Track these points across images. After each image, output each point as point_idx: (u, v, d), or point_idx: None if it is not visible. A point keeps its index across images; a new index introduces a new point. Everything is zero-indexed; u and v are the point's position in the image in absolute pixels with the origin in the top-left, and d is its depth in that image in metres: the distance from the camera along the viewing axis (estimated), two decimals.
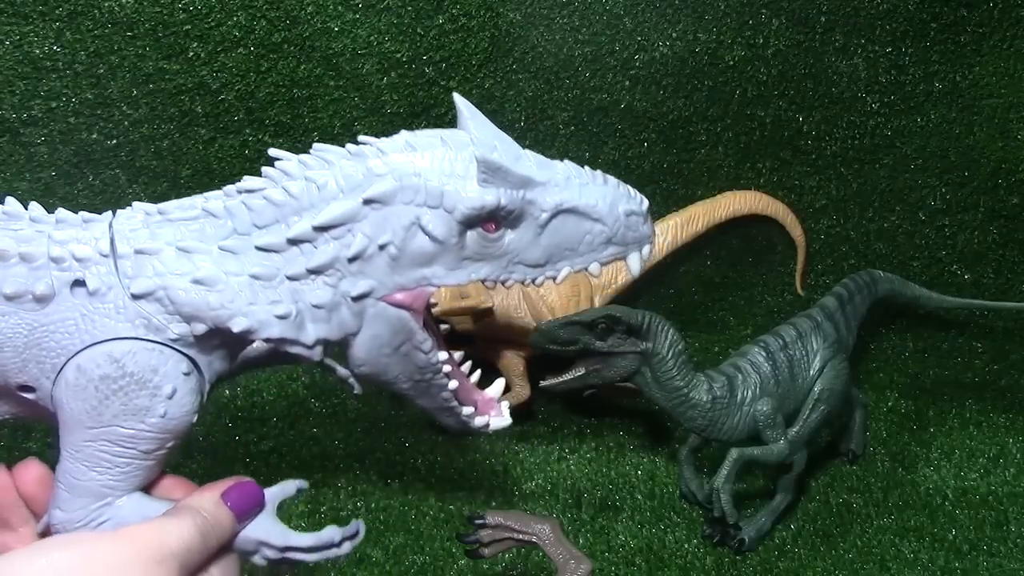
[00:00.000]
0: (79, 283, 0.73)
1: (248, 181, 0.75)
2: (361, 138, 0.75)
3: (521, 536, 0.95)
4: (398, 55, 1.58)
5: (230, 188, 0.76)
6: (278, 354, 0.84)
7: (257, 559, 0.75)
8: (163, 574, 0.62)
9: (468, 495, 1.38)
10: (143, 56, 1.51)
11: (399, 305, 0.73)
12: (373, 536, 1.28)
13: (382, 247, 0.71)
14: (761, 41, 1.71)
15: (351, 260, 0.71)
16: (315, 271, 0.72)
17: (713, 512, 1.25)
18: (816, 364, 1.34)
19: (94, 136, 1.52)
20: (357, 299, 0.72)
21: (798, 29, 1.71)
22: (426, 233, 0.71)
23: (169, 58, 1.52)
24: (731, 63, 1.71)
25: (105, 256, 0.74)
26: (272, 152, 0.76)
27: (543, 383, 1.26)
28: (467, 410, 0.81)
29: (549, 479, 1.42)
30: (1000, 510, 1.37)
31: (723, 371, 1.29)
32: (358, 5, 1.57)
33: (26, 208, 0.79)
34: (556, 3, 1.64)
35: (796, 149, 1.78)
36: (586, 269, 0.75)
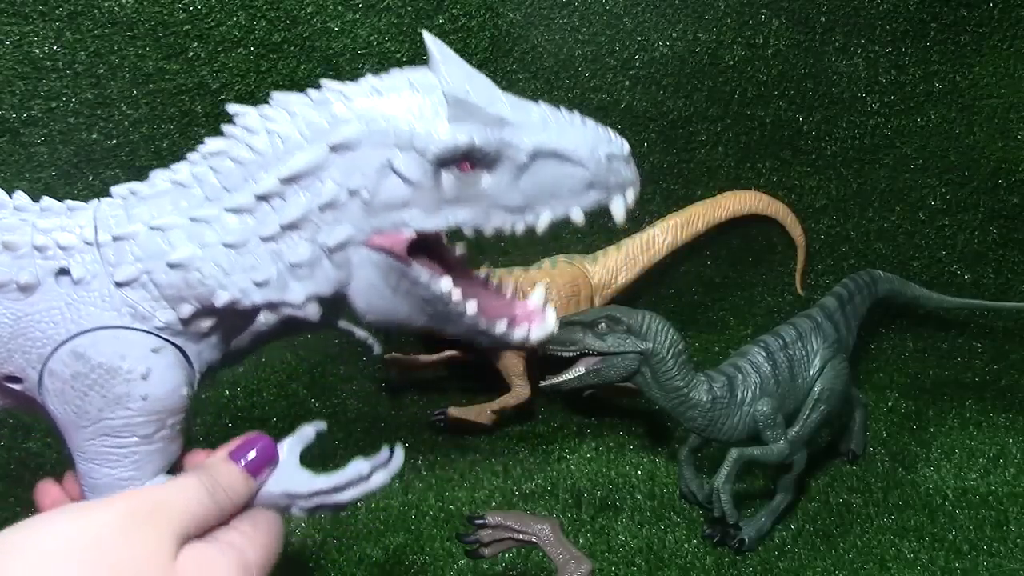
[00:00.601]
0: (64, 272, 0.72)
1: (211, 143, 0.72)
2: (324, 82, 0.72)
3: (521, 536, 0.95)
4: (398, 55, 1.58)
5: (194, 155, 0.73)
6: (289, 322, 0.82)
7: (294, 511, 0.74)
8: (154, 529, 0.60)
9: (468, 495, 1.38)
10: (143, 56, 1.51)
11: (379, 248, 0.70)
12: (373, 536, 1.28)
13: (353, 192, 0.68)
14: (761, 41, 1.71)
15: (323, 209, 0.69)
16: (289, 226, 0.69)
17: (713, 512, 1.25)
18: (816, 364, 1.34)
19: (94, 136, 1.52)
20: (336, 249, 0.69)
21: (798, 29, 1.71)
22: (398, 175, 0.68)
23: (169, 58, 1.52)
24: (731, 63, 1.71)
25: (90, 244, 0.73)
26: (230, 108, 0.73)
27: (543, 383, 1.26)
28: (500, 326, 0.75)
29: (549, 479, 1.42)
30: (1000, 510, 1.37)
31: (723, 371, 1.29)
32: (358, 5, 1.57)
33: (10, 197, 0.78)
34: (556, 3, 1.64)
35: (796, 149, 1.78)
36: (567, 216, 0.72)
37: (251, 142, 0.70)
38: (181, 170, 0.74)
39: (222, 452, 0.71)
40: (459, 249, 0.77)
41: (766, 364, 1.30)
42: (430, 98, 0.69)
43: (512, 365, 1.54)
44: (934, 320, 1.85)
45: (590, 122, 0.72)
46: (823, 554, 1.28)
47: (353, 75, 1.58)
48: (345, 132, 0.68)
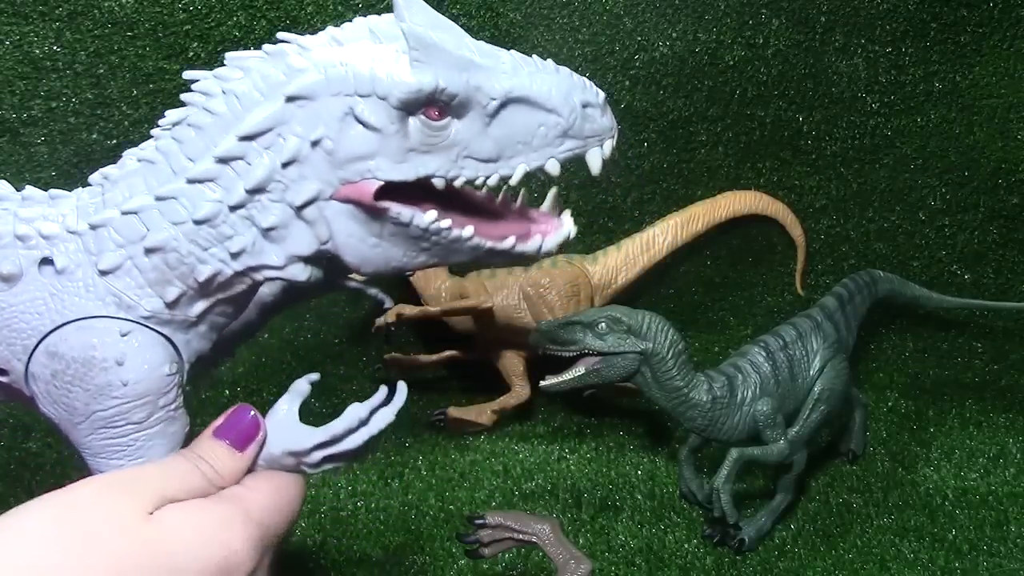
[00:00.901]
0: (47, 261, 0.72)
1: (171, 114, 0.70)
2: (280, 35, 0.70)
3: (521, 536, 0.95)
4: None
5: (157, 129, 0.72)
6: (291, 289, 0.81)
7: (305, 469, 0.73)
8: (129, 495, 0.61)
9: (468, 495, 1.38)
10: (143, 56, 1.51)
11: (347, 200, 0.67)
12: (373, 536, 1.28)
13: (315, 144, 0.66)
14: (761, 41, 1.71)
15: (286, 165, 0.66)
16: (255, 190, 0.67)
17: (713, 512, 1.25)
18: (816, 364, 1.34)
19: (94, 136, 1.52)
20: (303, 206, 0.67)
21: (798, 29, 1.71)
22: (361, 123, 0.65)
23: (169, 58, 1.52)
24: (731, 63, 1.71)
25: (73, 233, 0.72)
26: (187, 74, 0.71)
27: (543, 383, 1.26)
28: (507, 242, 0.71)
29: (549, 479, 1.42)
30: (1000, 510, 1.37)
31: (723, 371, 1.29)
32: (358, 5, 1.57)
33: None
34: (556, 3, 1.64)
35: (796, 149, 1.78)
36: (543, 167, 0.69)
37: (209, 105, 0.68)
38: (147, 146, 0.72)
39: (208, 431, 0.71)
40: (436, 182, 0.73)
41: (766, 364, 1.30)
42: (392, 46, 0.67)
43: (512, 365, 1.54)
44: (934, 320, 1.85)
45: (564, 69, 0.69)
46: (823, 554, 1.28)
47: None
48: (302, 82, 0.65)
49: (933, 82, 1.77)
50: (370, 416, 0.75)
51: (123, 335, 0.71)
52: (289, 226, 0.68)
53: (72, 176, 1.54)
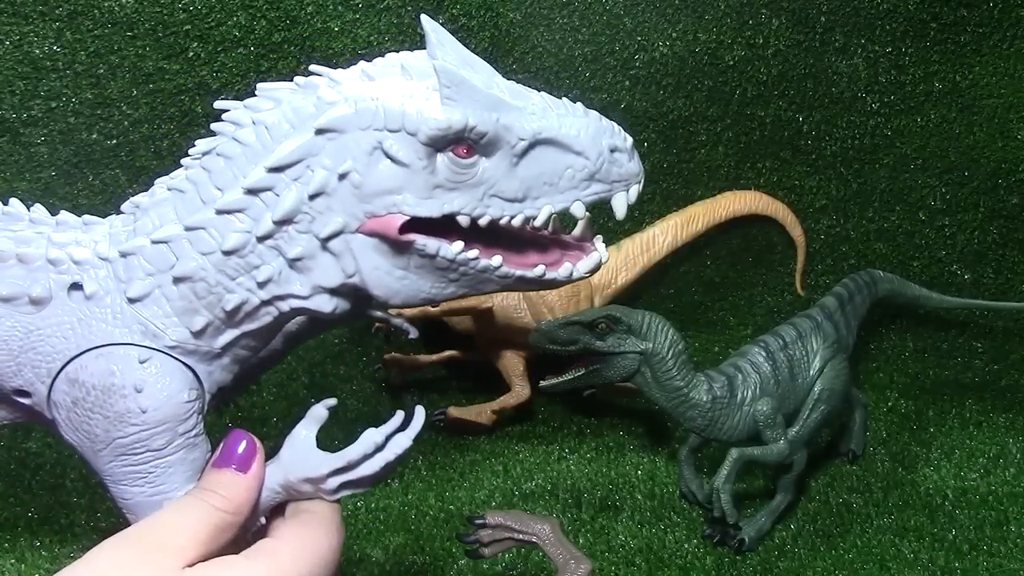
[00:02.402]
0: (77, 286, 0.72)
1: (201, 144, 0.71)
2: (312, 67, 0.70)
3: (521, 536, 0.95)
4: None
5: (187, 159, 0.72)
6: (317, 319, 0.82)
7: (324, 496, 0.72)
8: (159, 566, 0.60)
9: (468, 495, 1.38)
10: (143, 56, 1.51)
11: (372, 234, 0.67)
12: (373, 536, 1.28)
13: (343, 176, 0.66)
14: (761, 41, 1.71)
15: (313, 197, 0.66)
16: (283, 221, 0.67)
17: (713, 512, 1.25)
18: (816, 364, 1.34)
19: (94, 136, 1.52)
20: (329, 239, 0.67)
21: (798, 29, 1.71)
22: (389, 158, 0.65)
23: (169, 58, 1.52)
24: (731, 63, 1.71)
25: (104, 259, 0.72)
26: (218, 104, 0.71)
27: (543, 383, 1.26)
28: (537, 270, 0.71)
29: (549, 479, 1.42)
30: (1000, 510, 1.37)
31: (723, 371, 1.29)
32: (358, 5, 1.57)
33: (28, 209, 0.78)
34: (556, 3, 1.64)
35: (796, 149, 1.78)
36: (568, 209, 0.69)
37: (239, 136, 0.69)
38: (178, 175, 0.72)
39: (209, 466, 0.71)
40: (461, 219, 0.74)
41: (766, 364, 1.30)
42: (424, 83, 0.67)
43: (512, 365, 1.54)
44: (934, 320, 1.85)
45: (593, 113, 0.70)
46: (823, 554, 1.28)
47: None
48: (333, 115, 0.66)
49: (933, 82, 1.76)
50: (386, 441, 0.75)
51: (142, 362, 0.71)
52: (315, 257, 0.69)
53: (72, 176, 1.54)
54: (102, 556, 0.59)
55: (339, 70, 0.70)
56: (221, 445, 0.71)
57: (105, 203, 1.56)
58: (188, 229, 0.69)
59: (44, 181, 1.53)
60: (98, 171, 1.55)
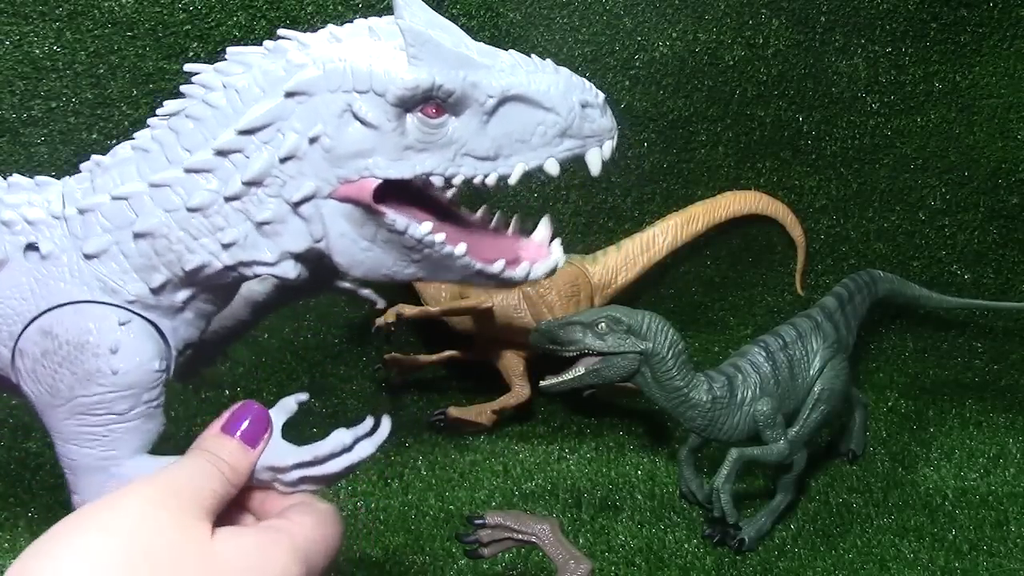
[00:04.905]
0: (32, 247, 0.72)
1: (169, 104, 0.71)
2: (281, 31, 0.70)
3: (521, 536, 0.95)
4: None
5: (154, 119, 0.72)
6: (284, 288, 0.81)
7: (278, 487, 0.70)
8: (183, 514, 0.58)
9: (468, 495, 1.38)
10: (143, 56, 1.51)
11: (346, 199, 0.67)
12: (373, 536, 1.28)
13: (313, 140, 0.66)
14: (761, 41, 1.71)
15: (284, 160, 0.66)
16: (252, 183, 0.67)
17: (713, 512, 1.25)
18: (816, 364, 1.34)
19: (94, 136, 1.52)
20: (300, 203, 0.67)
21: (798, 29, 1.71)
22: (359, 119, 0.65)
23: (169, 58, 1.52)
24: (731, 63, 1.71)
25: (58, 218, 0.72)
26: (187, 67, 0.71)
27: (543, 383, 1.26)
28: (496, 265, 0.71)
29: (549, 479, 1.42)
30: (1000, 510, 1.37)
31: (723, 371, 1.29)
32: (358, 5, 1.57)
33: None
34: (556, 3, 1.64)
35: (796, 149, 1.78)
36: (542, 167, 0.68)
37: (208, 99, 0.68)
38: (142, 135, 0.72)
39: (214, 427, 0.68)
40: (451, 191, 0.73)
41: (766, 364, 1.30)
42: (391, 43, 0.67)
43: (512, 365, 1.54)
44: (934, 320, 1.85)
45: (564, 69, 0.69)
46: (823, 554, 1.28)
47: None
48: (301, 77, 0.66)
49: (933, 82, 1.76)
50: (354, 444, 0.74)
51: (121, 324, 0.71)
52: (285, 221, 0.68)
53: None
54: (118, 508, 0.57)
55: (307, 33, 0.69)
56: (232, 410, 0.69)
57: None
58: (153, 186, 0.69)
59: None
60: None
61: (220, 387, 1.55)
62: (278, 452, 0.71)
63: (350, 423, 1.62)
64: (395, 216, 0.68)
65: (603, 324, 1.20)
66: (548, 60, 0.70)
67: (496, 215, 0.75)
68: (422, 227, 0.68)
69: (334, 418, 1.54)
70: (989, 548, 1.29)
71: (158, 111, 0.72)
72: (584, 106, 0.68)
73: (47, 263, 0.71)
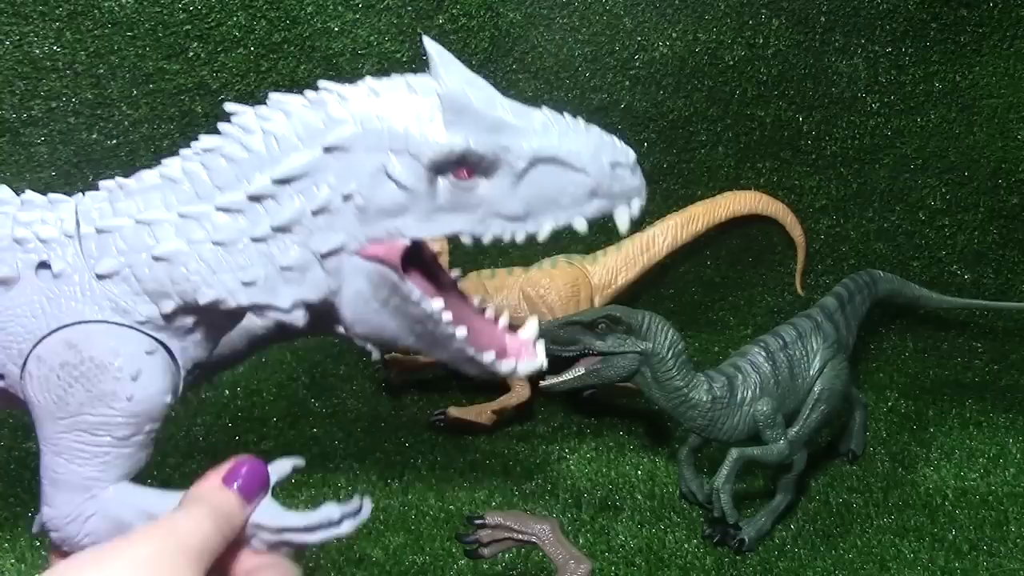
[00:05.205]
0: (44, 265, 0.71)
1: (205, 140, 0.71)
2: (321, 83, 0.71)
3: (521, 536, 0.95)
4: (398, 55, 1.58)
5: (187, 151, 0.72)
6: (284, 327, 0.82)
7: (255, 543, 0.70)
8: (184, 571, 0.58)
9: (468, 495, 1.38)
10: (143, 56, 1.51)
11: (373, 258, 0.68)
12: (373, 536, 1.28)
13: (347, 197, 0.67)
14: (761, 41, 1.71)
15: (316, 213, 0.67)
16: (281, 229, 0.68)
17: (713, 512, 1.25)
18: (816, 364, 1.34)
19: (94, 136, 1.52)
20: (328, 255, 0.68)
21: (798, 29, 1.71)
22: (392, 180, 0.66)
23: (169, 58, 1.52)
24: (731, 63, 1.71)
25: (70, 237, 0.72)
26: (228, 107, 0.72)
27: (543, 383, 1.26)
28: (488, 356, 0.73)
29: (549, 479, 1.42)
30: (1000, 510, 1.37)
31: (723, 371, 1.29)
32: (358, 5, 1.57)
33: None
34: (556, 3, 1.64)
35: (796, 149, 1.78)
36: (571, 224, 0.69)
37: (246, 141, 0.69)
38: (172, 165, 0.72)
39: (215, 479, 0.67)
40: (455, 272, 0.76)
41: (766, 364, 1.30)
42: (428, 100, 0.68)
43: None
44: (934, 320, 1.85)
45: (595, 128, 0.70)
46: (823, 554, 1.28)
47: (353, 75, 1.57)
48: (340, 133, 0.67)
49: (933, 82, 1.76)
50: (341, 519, 0.75)
51: (148, 353, 0.71)
52: (307, 270, 0.69)
53: (72, 176, 1.54)
54: (135, 552, 0.57)
55: (347, 86, 0.70)
56: (235, 463, 0.68)
57: None
58: (181, 216, 0.69)
59: (44, 181, 1.53)
60: (98, 171, 1.55)
61: (220, 387, 1.55)
62: (267, 511, 0.71)
63: (350, 423, 1.63)
64: (413, 286, 0.69)
65: (603, 324, 1.20)
66: (580, 119, 0.70)
67: (490, 306, 0.76)
68: (434, 303, 0.70)
69: (334, 418, 1.54)
70: (989, 548, 1.29)
71: (193, 144, 0.72)
72: (614, 166, 0.69)
73: (59, 282, 0.71)
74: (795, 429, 1.29)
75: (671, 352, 1.21)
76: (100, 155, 1.54)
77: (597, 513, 1.34)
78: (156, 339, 0.72)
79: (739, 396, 1.27)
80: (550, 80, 1.65)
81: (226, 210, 0.69)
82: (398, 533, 1.28)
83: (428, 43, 0.70)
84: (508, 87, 1.63)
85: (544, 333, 1.21)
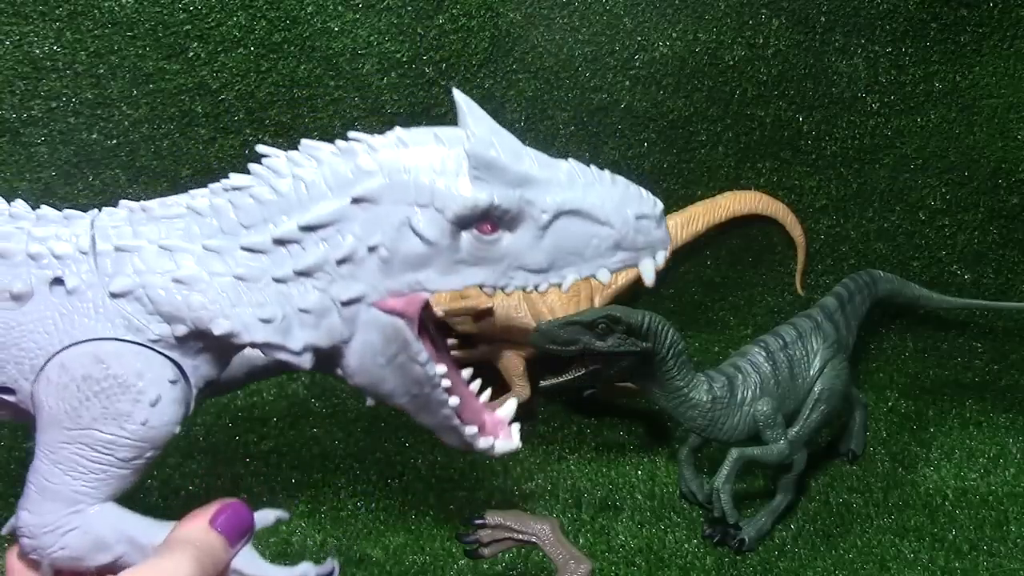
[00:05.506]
0: (58, 281, 0.72)
1: (235, 178, 0.72)
2: (352, 134, 0.72)
3: (521, 536, 0.95)
4: (398, 55, 1.58)
5: (216, 186, 0.73)
6: (286, 365, 0.83)
7: None
8: None
9: (468, 495, 1.38)
10: (143, 56, 1.51)
11: (391, 311, 0.69)
12: (373, 536, 1.28)
13: (372, 249, 0.68)
14: (761, 41, 1.71)
15: (340, 262, 0.68)
16: (303, 273, 0.69)
17: (713, 512, 1.25)
18: (816, 364, 1.34)
19: (94, 136, 1.52)
20: (347, 304, 0.69)
21: (798, 29, 1.71)
22: (417, 234, 0.67)
23: (169, 58, 1.52)
24: (731, 63, 1.71)
25: (85, 254, 0.72)
26: (260, 148, 0.73)
27: (543, 383, 1.26)
28: (470, 429, 0.76)
29: (549, 479, 1.42)
30: (1000, 510, 1.37)
31: (723, 371, 1.29)
32: (358, 5, 1.57)
33: (9, 205, 0.77)
34: (556, 3, 1.64)
35: (796, 149, 1.78)
36: (594, 276, 0.70)
37: (275, 184, 0.70)
38: (200, 197, 0.73)
39: (202, 521, 0.68)
40: (451, 341, 0.78)
41: (766, 364, 1.30)
42: (455, 152, 0.68)
43: (512, 365, 1.54)
44: (934, 320, 1.85)
45: (620, 179, 0.70)
46: (823, 554, 1.28)
47: (353, 75, 1.58)
48: (368, 185, 0.67)
49: (933, 82, 1.76)
50: None
51: (171, 382, 0.72)
52: (323, 316, 0.70)
53: (72, 176, 1.54)
54: None
55: (376, 136, 0.71)
56: (221, 507, 0.69)
57: (105, 203, 1.55)
58: (205, 248, 0.71)
59: (44, 181, 1.53)
60: (98, 171, 1.55)
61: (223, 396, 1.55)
62: (246, 561, 0.73)
63: (350, 423, 1.63)
64: (420, 347, 0.70)
65: (603, 324, 1.20)
66: (606, 171, 0.70)
67: (476, 382, 0.78)
68: (439, 367, 0.72)
69: (334, 418, 1.54)
70: (989, 548, 1.29)
71: (223, 181, 0.73)
72: (639, 218, 0.69)
73: (72, 298, 0.71)
74: (795, 429, 1.29)
75: (671, 352, 1.21)
76: (100, 155, 1.54)
77: (597, 513, 1.34)
78: (169, 357, 0.72)
79: (739, 396, 1.27)
80: (550, 80, 1.65)
81: (250, 249, 0.70)
82: (398, 533, 1.29)
83: (457, 95, 0.71)
84: (508, 87, 1.63)
85: (544, 333, 1.21)
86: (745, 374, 1.29)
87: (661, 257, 0.71)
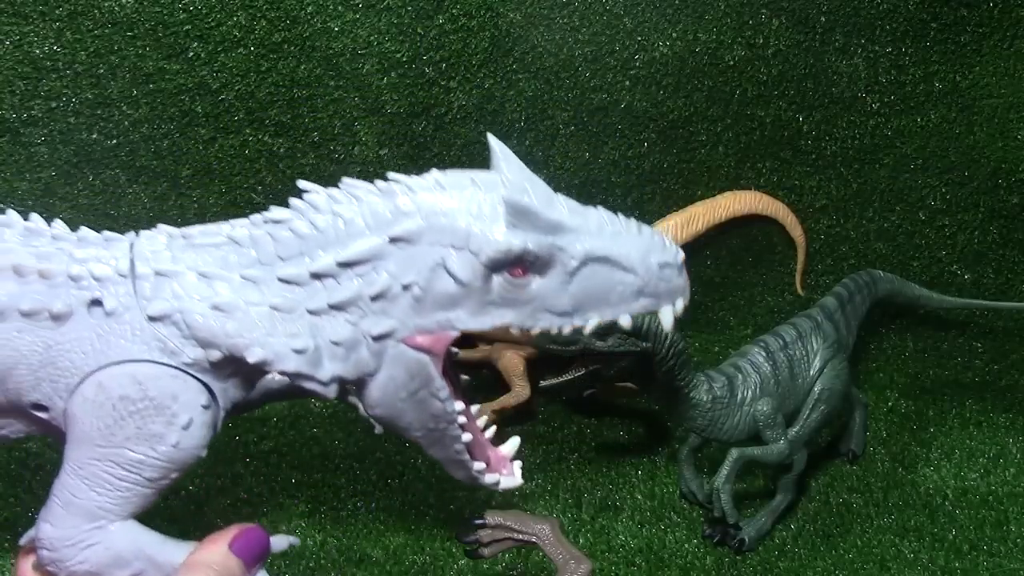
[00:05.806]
0: (96, 302, 0.73)
1: (275, 212, 0.75)
2: (390, 175, 0.74)
3: (521, 536, 0.95)
4: (398, 55, 1.58)
5: (256, 217, 0.75)
6: (296, 387, 0.84)
7: None
8: None
9: (468, 495, 1.38)
10: (143, 56, 1.51)
11: (419, 348, 0.72)
12: (373, 536, 1.28)
13: (406, 287, 0.70)
14: (761, 41, 1.71)
15: (374, 299, 0.70)
16: (337, 307, 0.71)
17: (713, 512, 1.25)
18: (816, 364, 1.34)
19: (94, 136, 1.52)
20: (378, 339, 0.71)
21: (798, 29, 1.71)
22: (451, 275, 0.70)
23: (169, 58, 1.52)
24: (731, 63, 1.71)
25: (124, 276, 0.73)
26: (301, 184, 0.75)
27: (543, 383, 1.26)
28: (478, 465, 0.79)
29: (549, 479, 1.42)
30: (1000, 510, 1.37)
31: (723, 371, 1.29)
32: (358, 5, 1.57)
33: (49, 225, 0.79)
34: (556, 3, 1.64)
35: (796, 149, 1.78)
36: (615, 320, 0.73)
37: (314, 219, 0.72)
38: (240, 228, 0.75)
39: (221, 544, 0.71)
40: (464, 376, 0.80)
41: (766, 364, 1.30)
42: (491, 197, 0.71)
43: (512, 365, 1.54)
44: (934, 320, 1.85)
45: (647, 229, 0.73)
46: (823, 554, 1.28)
47: (353, 75, 1.58)
48: (406, 226, 0.70)
49: (933, 82, 1.76)
50: None
51: (204, 407, 0.73)
52: (353, 349, 0.72)
53: (72, 176, 1.54)
54: None
55: (414, 177, 0.73)
56: (242, 532, 0.72)
57: (105, 203, 1.56)
58: (243, 278, 0.72)
59: (44, 181, 1.53)
60: (98, 171, 1.55)
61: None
62: None
63: (350, 423, 1.62)
64: (443, 384, 0.73)
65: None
66: (632, 220, 0.74)
67: (483, 418, 0.81)
68: (458, 405, 0.75)
69: (334, 418, 1.54)
70: (989, 548, 1.30)
71: (264, 213, 0.75)
72: (662, 267, 0.72)
73: (110, 320, 0.73)
74: (795, 429, 1.29)
75: (671, 352, 1.21)
76: (100, 155, 1.54)
77: (597, 513, 1.34)
78: (200, 380, 0.74)
79: (739, 396, 1.27)
80: (550, 80, 1.65)
81: (287, 281, 0.72)
82: (398, 533, 1.29)
83: (492, 140, 0.73)
84: (508, 87, 1.63)
85: (544, 333, 1.21)
86: (745, 374, 1.29)
87: (680, 304, 0.75)
